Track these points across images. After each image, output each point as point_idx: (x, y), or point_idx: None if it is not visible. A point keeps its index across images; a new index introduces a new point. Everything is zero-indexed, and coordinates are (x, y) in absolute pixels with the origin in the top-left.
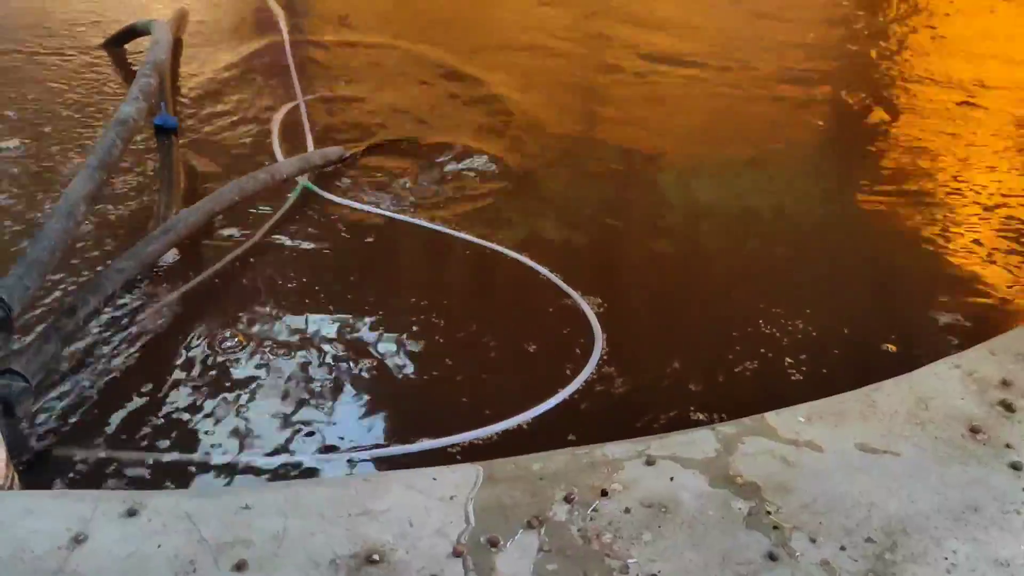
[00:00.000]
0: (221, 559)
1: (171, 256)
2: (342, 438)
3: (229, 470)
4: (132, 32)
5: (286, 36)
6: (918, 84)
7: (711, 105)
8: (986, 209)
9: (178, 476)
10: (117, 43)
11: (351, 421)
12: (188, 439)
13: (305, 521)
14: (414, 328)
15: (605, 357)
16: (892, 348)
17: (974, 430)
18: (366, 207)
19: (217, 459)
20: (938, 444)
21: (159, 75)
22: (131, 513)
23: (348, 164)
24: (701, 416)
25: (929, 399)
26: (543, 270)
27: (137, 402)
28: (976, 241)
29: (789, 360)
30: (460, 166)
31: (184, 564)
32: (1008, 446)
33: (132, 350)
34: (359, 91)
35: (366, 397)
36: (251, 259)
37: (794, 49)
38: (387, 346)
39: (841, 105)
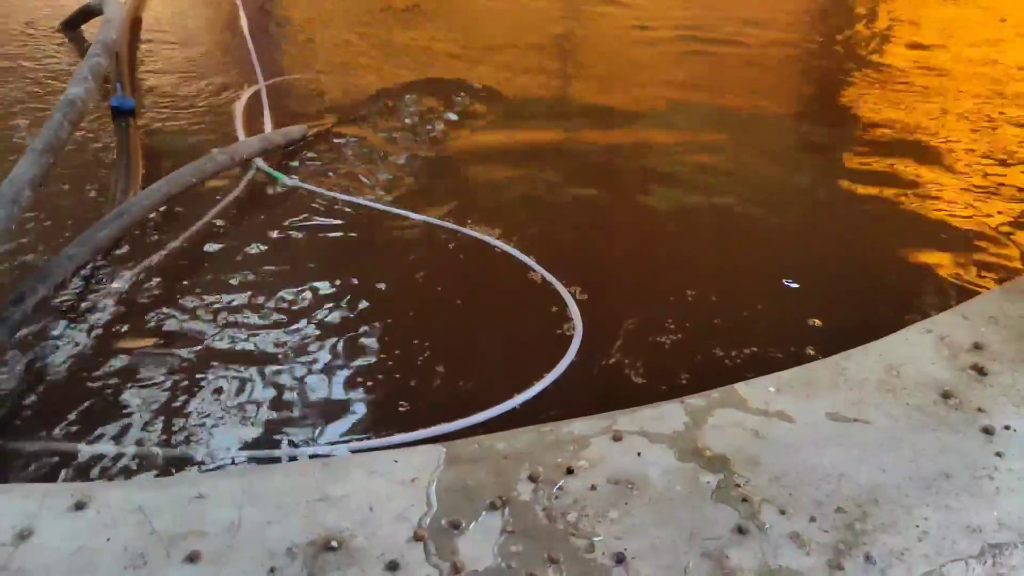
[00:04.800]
0: (173, 551)
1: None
2: (310, 433)
3: (187, 462)
4: (87, 12)
5: (244, 20)
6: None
7: None
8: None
9: (133, 468)
10: (73, 25)
11: (320, 414)
12: (142, 430)
13: (261, 510)
14: (383, 315)
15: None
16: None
17: (946, 395)
18: (321, 190)
19: (175, 452)
20: (909, 411)
21: (110, 55)
22: (79, 506)
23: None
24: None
25: (900, 365)
26: (525, 257)
27: (89, 391)
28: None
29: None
30: None
31: (134, 557)
32: (980, 410)
33: (81, 336)
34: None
35: (340, 388)
36: (205, 242)
37: None
38: (357, 333)
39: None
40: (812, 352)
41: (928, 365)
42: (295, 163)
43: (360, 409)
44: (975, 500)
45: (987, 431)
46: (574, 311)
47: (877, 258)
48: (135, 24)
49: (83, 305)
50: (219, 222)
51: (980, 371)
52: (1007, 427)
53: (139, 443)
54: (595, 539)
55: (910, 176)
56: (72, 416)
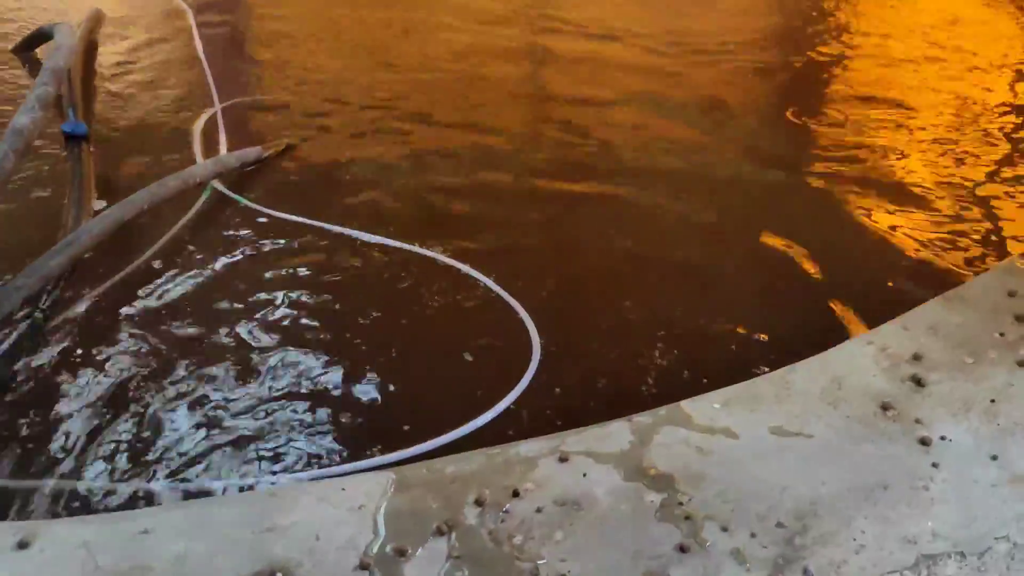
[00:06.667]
0: None
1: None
2: (266, 459)
3: (139, 497)
4: (40, 36)
5: (196, 37)
6: None
7: None
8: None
9: (82, 503)
10: (27, 48)
11: (276, 442)
12: (92, 464)
13: (208, 542)
14: (339, 340)
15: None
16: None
17: (885, 407)
18: (278, 213)
19: (124, 488)
20: (850, 423)
21: (59, 82)
22: (22, 545)
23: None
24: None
25: (842, 377)
26: (479, 276)
27: (41, 426)
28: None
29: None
30: None
31: None
32: (918, 421)
33: (30, 366)
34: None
35: (294, 417)
36: (156, 269)
37: None
38: (312, 360)
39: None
40: (763, 368)
41: (869, 377)
42: (252, 184)
43: (314, 437)
44: (912, 511)
45: (924, 442)
46: (534, 337)
47: (833, 266)
48: (90, 47)
49: (33, 334)
50: (172, 246)
51: (918, 382)
52: (943, 437)
53: (87, 478)
54: (539, 562)
55: (867, 183)
56: (19, 449)
